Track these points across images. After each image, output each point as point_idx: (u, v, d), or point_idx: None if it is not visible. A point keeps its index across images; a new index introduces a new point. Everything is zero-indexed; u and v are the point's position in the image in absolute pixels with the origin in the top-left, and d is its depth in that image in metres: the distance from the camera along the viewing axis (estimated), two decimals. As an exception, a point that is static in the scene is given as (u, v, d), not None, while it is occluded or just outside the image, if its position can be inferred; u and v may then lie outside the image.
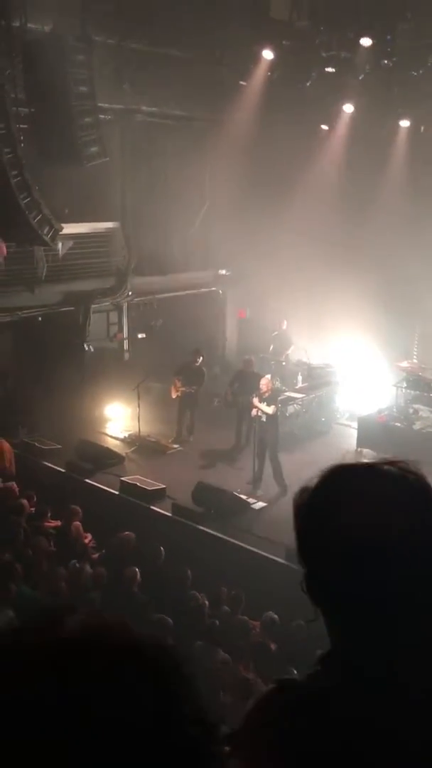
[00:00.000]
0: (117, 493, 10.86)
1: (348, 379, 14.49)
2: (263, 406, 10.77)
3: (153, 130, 14.84)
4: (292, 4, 13.76)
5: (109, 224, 14.93)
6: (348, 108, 14.37)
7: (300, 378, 14.65)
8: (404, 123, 14.44)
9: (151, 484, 10.79)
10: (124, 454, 12.22)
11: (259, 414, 10.85)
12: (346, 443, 12.91)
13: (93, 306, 14.33)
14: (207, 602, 7.85)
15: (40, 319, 13.68)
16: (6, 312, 13.06)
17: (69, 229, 12.72)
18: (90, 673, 0.64)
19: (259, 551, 9.32)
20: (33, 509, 9.72)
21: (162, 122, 14.85)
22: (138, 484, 10.80)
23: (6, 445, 11.05)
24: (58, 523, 9.56)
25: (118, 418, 13.51)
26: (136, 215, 15.06)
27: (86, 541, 9.36)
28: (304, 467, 11.44)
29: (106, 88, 12.66)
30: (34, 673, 0.64)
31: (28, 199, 11.19)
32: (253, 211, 14.38)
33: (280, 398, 11.85)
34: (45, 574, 8.15)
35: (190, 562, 8.58)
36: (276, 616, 7.69)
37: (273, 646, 7.17)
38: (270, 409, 10.76)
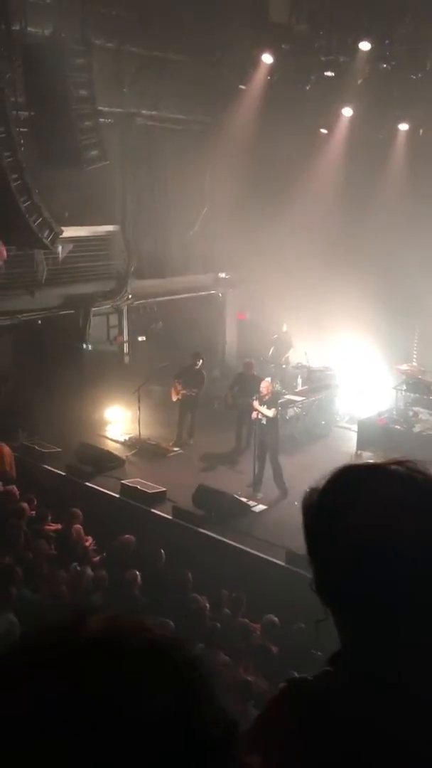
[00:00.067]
0: (117, 496, 10.85)
1: (348, 382, 14.50)
2: (263, 409, 10.77)
3: (153, 133, 14.87)
4: (291, 8, 13.80)
5: (109, 227, 14.95)
6: (347, 111, 14.41)
7: (300, 381, 14.66)
8: (403, 126, 14.49)
9: (152, 487, 10.78)
10: (124, 457, 12.22)
11: (260, 417, 10.85)
12: (346, 446, 12.91)
13: (93, 309, 14.34)
14: (208, 605, 7.85)
15: (40, 322, 13.69)
16: (6, 315, 13.07)
17: (69, 232, 12.75)
18: (111, 674, 0.65)
19: (260, 554, 9.31)
20: (33, 512, 9.72)
21: (162, 125, 14.89)
22: (138, 487, 10.80)
23: (6, 449, 11.05)
24: (59, 526, 9.56)
25: (119, 421, 13.51)
26: (136, 218, 15.09)
27: (87, 544, 9.35)
28: (304, 470, 11.47)
29: (106, 92, 12.69)
30: (55, 674, 0.64)
31: (29, 202, 11.21)
32: (253, 214, 14.40)
33: (280, 401, 11.85)
34: (46, 578, 8.14)
35: (190, 564, 8.58)
36: (276, 619, 7.69)
37: (274, 649, 7.16)
38: (270, 412, 10.76)
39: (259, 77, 14.25)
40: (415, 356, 14.96)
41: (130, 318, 15.44)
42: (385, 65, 12.93)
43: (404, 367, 13.61)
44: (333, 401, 14.29)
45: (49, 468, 11.74)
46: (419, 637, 1.12)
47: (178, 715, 0.64)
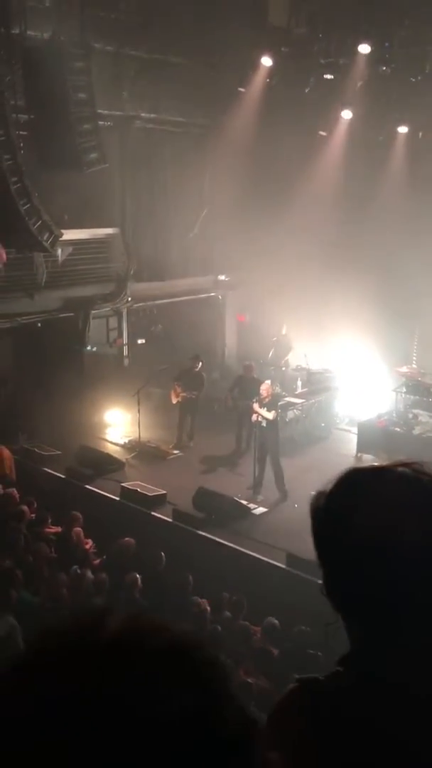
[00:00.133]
0: (117, 498, 10.85)
1: (347, 384, 14.51)
2: (263, 412, 10.78)
3: (152, 136, 14.90)
4: (290, 11, 13.85)
5: (109, 230, 14.96)
6: (346, 114, 14.43)
7: (299, 383, 14.67)
8: (402, 129, 14.52)
9: (152, 490, 10.78)
10: (124, 460, 12.22)
11: (260, 419, 10.85)
12: (345, 448, 12.92)
13: (93, 312, 14.34)
14: (208, 608, 7.84)
15: (39, 325, 13.69)
16: (6, 318, 13.07)
17: (68, 235, 12.77)
18: (131, 674, 0.65)
19: (260, 556, 9.31)
20: (33, 515, 9.72)
21: (161, 128, 14.91)
22: (138, 489, 10.79)
23: (6, 452, 11.05)
24: (59, 529, 9.55)
25: (118, 424, 13.51)
26: (135, 221, 15.11)
27: (87, 547, 9.35)
28: (303, 472, 11.48)
29: (106, 95, 12.72)
30: (74, 675, 0.65)
31: (28, 205, 11.23)
32: (252, 217, 14.42)
33: (279, 404, 11.86)
34: (46, 581, 8.14)
35: (191, 567, 8.57)
36: (276, 622, 7.69)
37: (274, 651, 7.15)
38: (270, 415, 10.77)
39: (259, 80, 14.28)
40: (414, 358, 14.97)
41: (129, 321, 15.45)
42: (384, 68, 12.97)
43: (404, 369, 13.62)
44: (333, 403, 14.29)
45: (49, 471, 11.74)
46: (424, 638, 1.12)
47: (199, 714, 0.65)
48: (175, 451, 12.77)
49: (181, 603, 7.86)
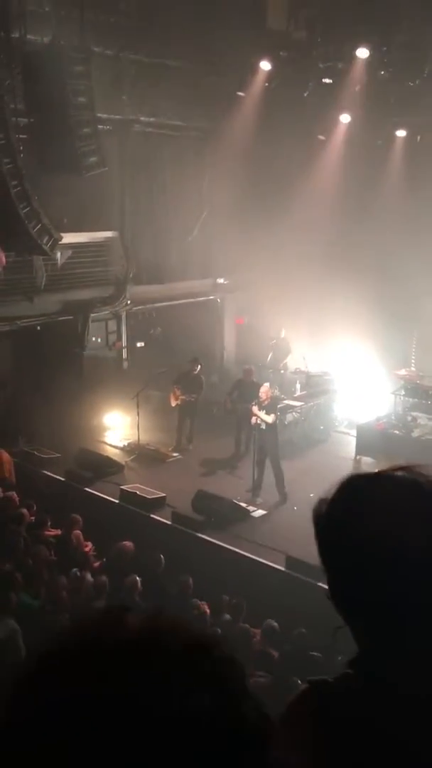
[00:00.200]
0: (117, 501, 10.86)
1: (346, 387, 14.53)
2: (262, 415, 10.80)
3: (151, 139, 14.93)
4: (289, 16, 13.89)
5: (108, 233, 14.98)
6: (345, 118, 14.48)
7: (298, 386, 14.69)
8: (401, 132, 14.57)
9: (151, 493, 10.79)
10: (123, 463, 12.22)
11: (259, 422, 10.87)
12: (344, 451, 12.94)
13: (92, 315, 14.36)
14: (208, 610, 7.85)
15: (39, 328, 13.70)
16: (5, 321, 13.09)
17: (68, 238, 12.77)
18: (150, 673, 0.66)
19: (260, 559, 9.32)
20: (33, 518, 9.71)
21: (160, 132, 14.95)
22: (138, 492, 10.80)
23: (5, 455, 11.04)
24: (58, 531, 9.55)
25: (118, 427, 13.52)
26: (134, 224, 15.13)
27: (87, 549, 9.35)
28: (303, 475, 11.50)
29: (105, 99, 12.75)
30: (94, 675, 0.66)
31: (28, 208, 11.25)
32: (251, 220, 14.45)
33: (278, 406, 11.87)
34: (46, 583, 8.14)
35: (190, 570, 8.57)
36: (276, 624, 7.69)
37: (274, 654, 7.16)
38: (269, 418, 10.78)
39: (258, 84, 14.32)
40: (413, 361, 15.00)
41: (128, 324, 15.47)
42: (382, 72, 13.02)
43: (402, 372, 13.65)
44: (331, 406, 14.31)
45: (49, 474, 11.74)
46: (428, 641, 1.14)
47: (217, 712, 0.66)
48: (175, 454, 12.78)
49: (180, 606, 7.86)
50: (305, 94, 14.05)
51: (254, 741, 0.67)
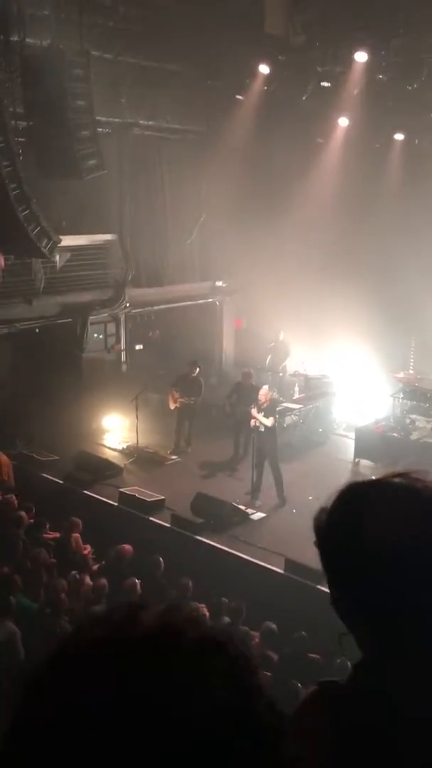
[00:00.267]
0: (116, 504, 10.86)
1: (345, 389, 14.54)
2: (261, 417, 10.80)
3: (150, 143, 14.96)
4: (287, 19, 13.91)
5: (107, 236, 15.00)
6: (343, 121, 14.51)
7: (297, 389, 14.70)
8: (399, 136, 14.61)
9: (150, 495, 10.79)
10: (122, 466, 12.23)
11: (258, 425, 10.88)
12: (343, 454, 12.96)
13: (90, 318, 14.37)
14: (207, 613, 7.84)
15: (37, 330, 13.71)
16: (4, 324, 13.09)
17: (67, 241, 12.80)
18: (167, 669, 0.66)
19: (259, 562, 9.32)
20: (32, 521, 9.71)
21: (159, 135, 14.98)
22: (137, 495, 10.80)
23: (4, 458, 11.05)
24: (57, 534, 9.55)
25: (116, 430, 13.52)
26: (133, 227, 15.15)
27: (86, 552, 9.35)
28: (301, 477, 11.52)
29: (104, 102, 12.77)
30: (109, 673, 0.66)
31: (27, 211, 11.27)
32: (250, 223, 14.48)
33: (277, 409, 11.88)
34: (45, 586, 8.14)
35: (189, 573, 8.58)
36: (275, 626, 7.69)
37: (274, 657, 7.16)
38: (269, 421, 10.79)
39: (256, 87, 14.35)
40: (411, 364, 15.03)
41: (127, 326, 15.48)
42: (381, 75, 13.04)
43: (401, 374, 13.67)
44: (330, 409, 14.32)
45: (48, 476, 11.74)
46: (429, 645, 1.15)
47: (234, 708, 0.66)
48: (173, 457, 12.79)
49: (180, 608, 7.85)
50: (304, 98, 14.07)
51: (270, 737, 0.68)
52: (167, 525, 10.25)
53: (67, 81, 11.40)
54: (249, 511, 10.68)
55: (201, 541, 9.85)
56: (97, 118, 12.26)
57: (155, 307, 15.81)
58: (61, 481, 11.56)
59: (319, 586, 8.17)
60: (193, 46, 13.32)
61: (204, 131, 15.36)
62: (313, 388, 14.50)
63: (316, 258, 14.34)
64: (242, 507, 10.68)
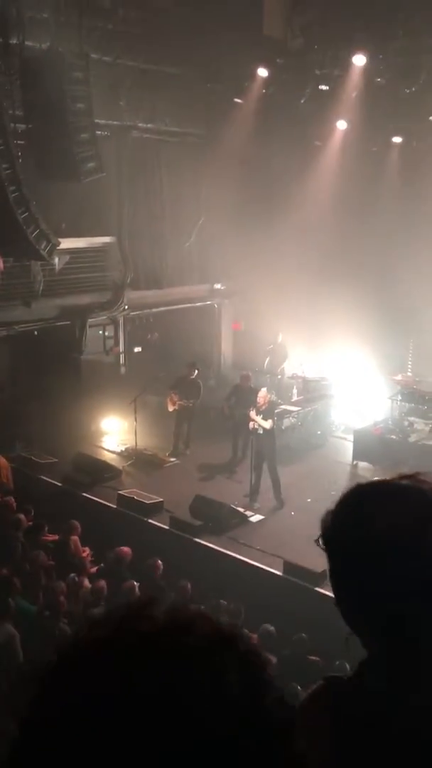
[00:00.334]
0: (114, 506, 10.86)
1: (343, 392, 14.55)
2: (260, 420, 10.81)
3: (149, 145, 14.98)
4: (285, 23, 13.96)
5: (106, 239, 15.01)
6: (341, 124, 14.54)
7: (295, 391, 14.71)
8: (397, 139, 14.64)
9: (149, 498, 10.79)
10: (121, 468, 12.23)
11: (256, 427, 10.89)
12: (341, 456, 12.96)
13: (89, 320, 14.38)
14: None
15: (36, 333, 13.71)
16: (3, 326, 13.09)
17: (66, 243, 12.81)
18: (179, 664, 0.67)
19: (258, 564, 9.33)
20: (30, 523, 9.71)
21: (158, 138, 15.00)
22: (135, 497, 10.80)
23: (3, 461, 11.05)
24: (56, 537, 9.55)
25: (115, 432, 13.52)
26: (132, 230, 15.16)
27: (84, 554, 9.35)
28: (300, 479, 11.53)
29: (103, 105, 12.79)
30: (121, 668, 0.66)
31: (26, 214, 11.28)
32: (248, 226, 14.50)
33: (276, 411, 11.89)
34: (44, 588, 8.14)
35: (188, 575, 8.58)
36: (272, 629, 7.70)
37: (272, 659, 7.16)
38: (267, 424, 10.79)
39: (255, 90, 14.38)
40: (410, 366, 15.04)
41: (126, 329, 15.49)
42: (379, 79, 13.08)
43: (399, 377, 13.68)
44: (329, 411, 14.33)
45: (46, 479, 11.74)
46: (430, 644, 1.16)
47: (245, 702, 0.67)
48: (172, 459, 12.79)
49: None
50: (302, 101, 14.11)
51: (281, 730, 0.68)
52: (166, 527, 10.25)
53: (66, 84, 11.43)
54: (248, 513, 10.69)
55: (200, 543, 9.85)
56: (97, 120, 12.29)
57: (154, 310, 15.82)
58: (59, 484, 11.57)
59: (317, 589, 8.18)
60: (192, 49, 13.35)
61: (203, 134, 15.39)
62: (311, 391, 14.51)
63: (315, 260, 14.36)
64: (241, 509, 10.68)
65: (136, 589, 8.00)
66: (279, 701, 0.71)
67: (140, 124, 14.44)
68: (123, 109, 13.91)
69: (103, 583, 8.22)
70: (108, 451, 13.09)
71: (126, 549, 8.95)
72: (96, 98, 12.06)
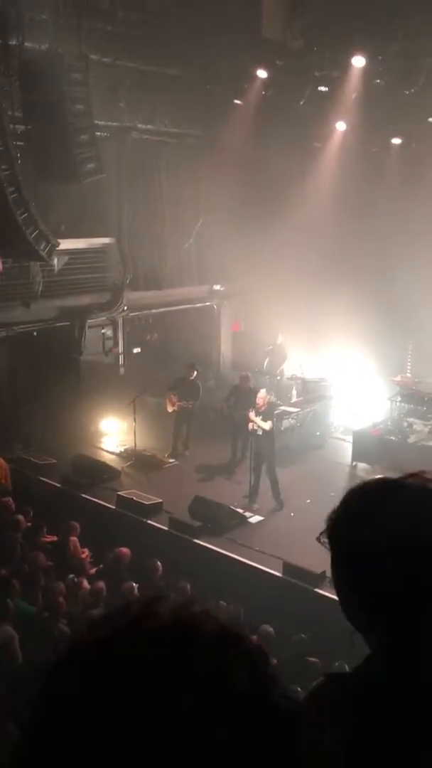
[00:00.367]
0: (113, 507, 10.86)
1: (343, 393, 14.56)
2: (259, 421, 10.82)
3: (148, 146, 14.99)
4: (285, 24, 13.98)
5: (105, 240, 15.02)
6: (341, 126, 14.56)
7: (294, 392, 14.72)
8: (396, 140, 14.66)
9: (148, 499, 10.79)
10: (120, 469, 12.23)
11: (255, 428, 10.89)
12: (341, 457, 12.97)
13: (89, 321, 14.38)
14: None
15: (35, 334, 13.71)
16: (2, 327, 13.09)
17: (65, 244, 12.80)
18: (184, 661, 0.67)
19: (256, 565, 9.33)
20: (29, 524, 9.72)
21: (157, 139, 15.01)
22: (134, 498, 10.81)
23: (2, 462, 11.05)
24: (55, 538, 9.56)
25: (114, 433, 13.53)
26: (131, 231, 15.17)
27: (83, 555, 9.36)
28: (299, 480, 11.54)
29: (103, 106, 12.79)
30: (126, 666, 0.66)
31: (25, 215, 11.27)
32: (248, 227, 14.51)
33: (275, 412, 11.89)
34: (43, 589, 8.14)
35: (187, 576, 8.59)
36: (271, 630, 7.70)
37: (273, 660, 7.15)
38: (267, 425, 10.80)
39: (254, 92, 14.39)
40: (409, 367, 15.06)
41: (125, 330, 15.50)
42: (378, 80, 13.10)
43: (398, 378, 13.69)
44: (328, 412, 14.34)
45: (45, 480, 11.74)
46: None
47: (251, 698, 0.67)
48: (171, 460, 12.79)
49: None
50: (301, 102, 14.12)
51: (286, 727, 0.69)
52: (165, 528, 10.25)
53: (65, 85, 11.42)
54: (247, 514, 10.69)
55: (199, 544, 9.86)
56: (96, 122, 12.27)
57: (153, 311, 15.83)
58: (58, 485, 11.56)
59: (316, 590, 8.19)
60: (191, 51, 13.35)
61: (202, 135, 15.40)
62: (310, 392, 14.52)
63: (314, 261, 14.37)
64: (240, 510, 10.69)
65: (136, 590, 8.00)
66: (283, 698, 0.71)
67: (140, 126, 14.45)
68: (122, 110, 13.92)
69: (102, 584, 8.22)
70: (107, 452, 13.10)
71: (125, 550, 8.96)
72: (95, 99, 12.05)
